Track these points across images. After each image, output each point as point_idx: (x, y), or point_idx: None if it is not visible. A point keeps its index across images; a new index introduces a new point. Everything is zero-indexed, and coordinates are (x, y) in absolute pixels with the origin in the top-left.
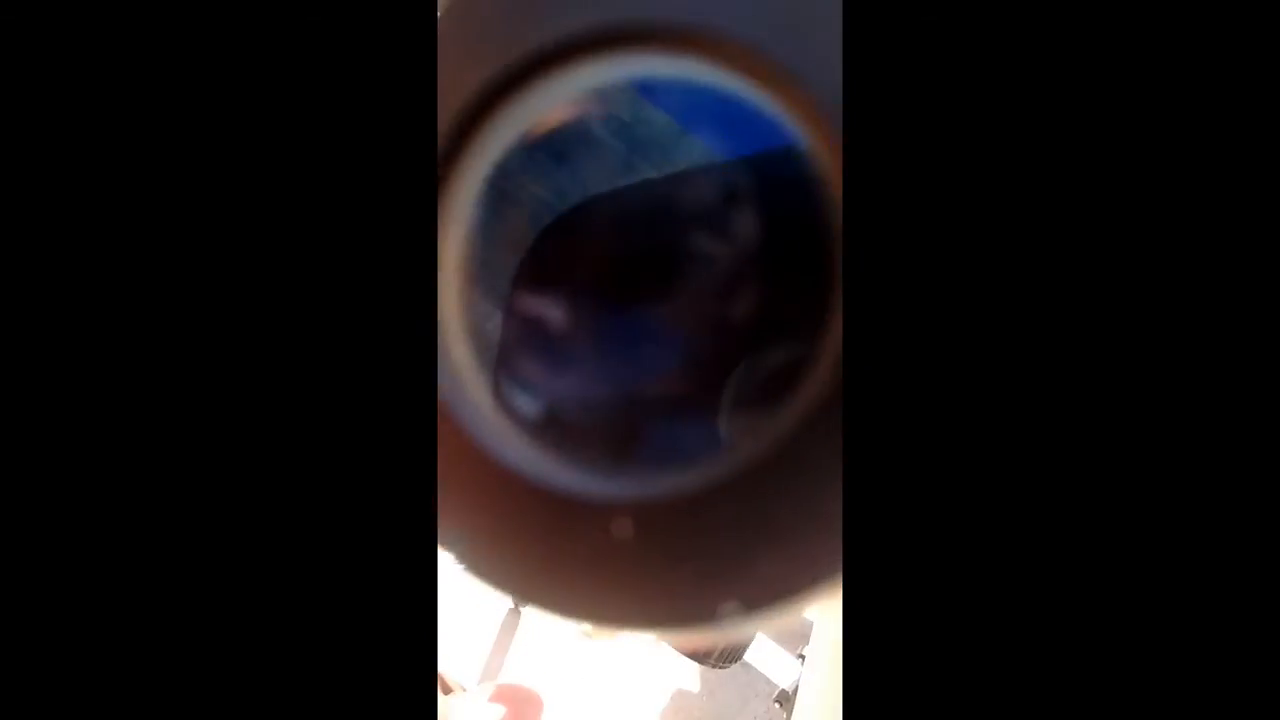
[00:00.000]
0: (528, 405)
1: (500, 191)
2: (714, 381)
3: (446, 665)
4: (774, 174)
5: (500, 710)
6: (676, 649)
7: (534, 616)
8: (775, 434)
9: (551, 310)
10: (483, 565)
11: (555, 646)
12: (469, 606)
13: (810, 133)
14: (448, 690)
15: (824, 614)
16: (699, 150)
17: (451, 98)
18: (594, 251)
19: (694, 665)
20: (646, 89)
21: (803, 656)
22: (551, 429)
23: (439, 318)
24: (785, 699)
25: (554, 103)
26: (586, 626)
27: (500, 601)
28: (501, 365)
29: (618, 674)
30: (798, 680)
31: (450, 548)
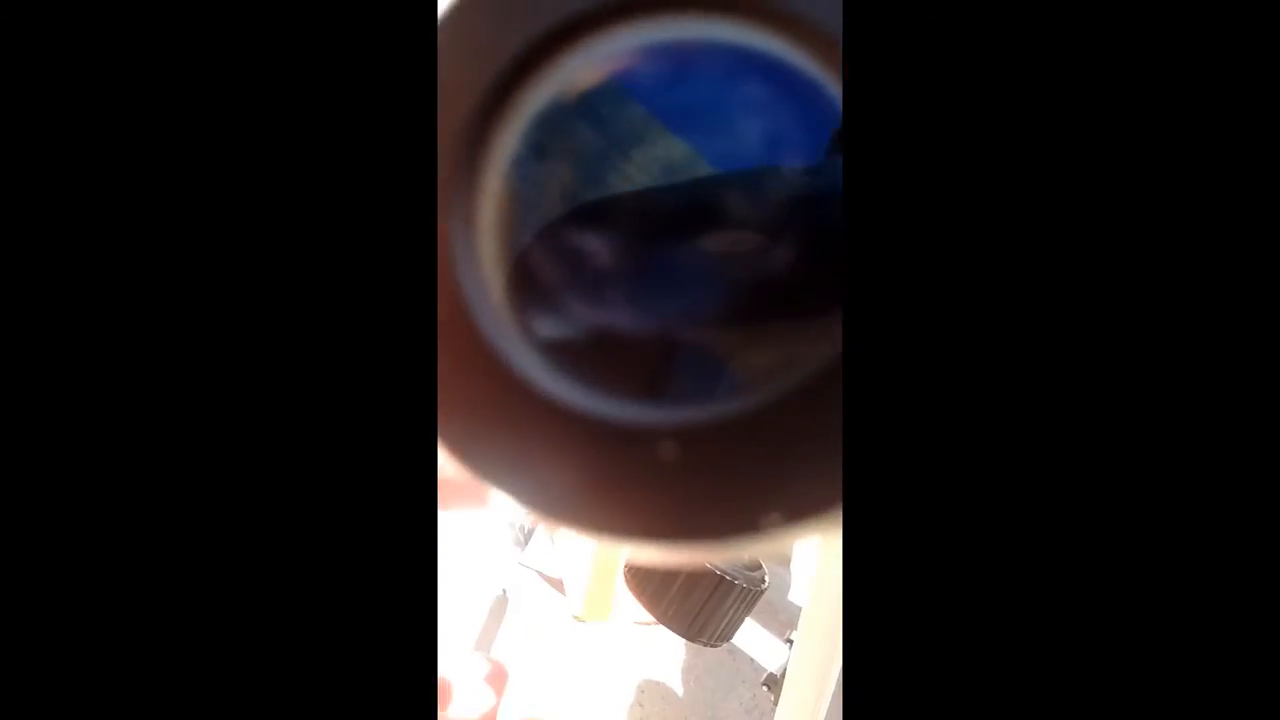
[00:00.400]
0: (566, 339)
1: (542, 144)
2: (752, 324)
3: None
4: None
5: (481, 674)
6: (668, 626)
7: (527, 595)
8: (811, 365)
9: (593, 244)
10: (529, 493)
11: (542, 631)
12: (456, 591)
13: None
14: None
15: (814, 600)
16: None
17: (492, 57)
18: (638, 201)
19: (680, 650)
20: (685, 51)
21: (790, 641)
22: (590, 362)
23: (479, 252)
24: (773, 683)
25: (595, 61)
26: (578, 611)
27: (490, 586)
28: (542, 300)
29: (604, 658)
30: (785, 664)
31: (498, 481)
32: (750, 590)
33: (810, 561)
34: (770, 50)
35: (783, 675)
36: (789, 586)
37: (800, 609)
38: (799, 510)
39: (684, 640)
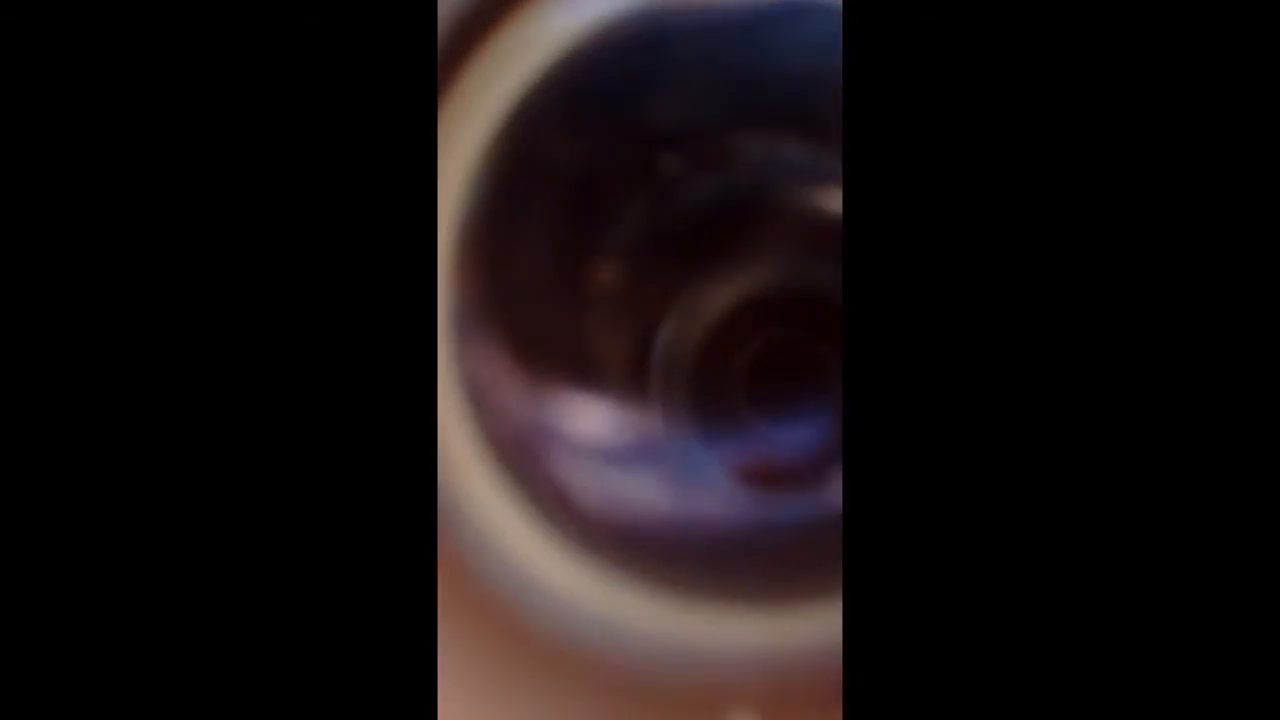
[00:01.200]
0: (571, 526)
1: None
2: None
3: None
4: None
5: None
6: None
7: None
8: None
9: (592, 404)
10: None
11: None
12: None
13: None
14: None
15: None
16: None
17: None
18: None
19: None
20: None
21: None
22: (608, 555)
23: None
24: None
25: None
26: None
27: None
28: (535, 477)
29: None
30: None
31: None
32: None
33: None
34: None
35: None
36: None
37: None
38: None
39: None
